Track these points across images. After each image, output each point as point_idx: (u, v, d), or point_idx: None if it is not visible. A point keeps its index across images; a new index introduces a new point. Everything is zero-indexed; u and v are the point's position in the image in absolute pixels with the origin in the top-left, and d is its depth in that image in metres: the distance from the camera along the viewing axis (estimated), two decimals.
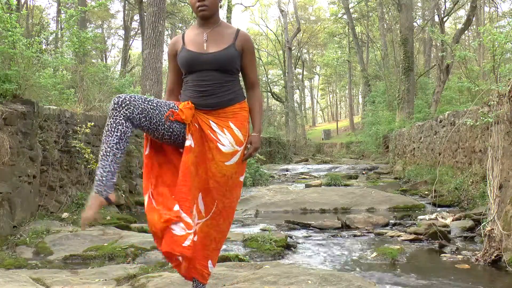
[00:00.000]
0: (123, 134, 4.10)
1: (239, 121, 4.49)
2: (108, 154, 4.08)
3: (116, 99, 4.10)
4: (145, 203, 4.35)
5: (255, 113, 4.63)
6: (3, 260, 7.38)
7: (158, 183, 4.42)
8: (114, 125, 4.08)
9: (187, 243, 4.10)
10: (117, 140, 4.09)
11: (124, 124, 4.10)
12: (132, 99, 4.13)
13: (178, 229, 4.11)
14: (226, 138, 4.39)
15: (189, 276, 4.48)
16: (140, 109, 4.13)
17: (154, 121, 4.20)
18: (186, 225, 4.14)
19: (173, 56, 4.64)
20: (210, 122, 4.39)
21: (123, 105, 4.08)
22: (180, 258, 4.22)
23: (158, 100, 4.31)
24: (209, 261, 4.48)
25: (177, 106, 4.36)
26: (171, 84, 4.78)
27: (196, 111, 4.40)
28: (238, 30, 4.59)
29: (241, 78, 4.74)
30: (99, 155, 4.12)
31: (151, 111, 4.19)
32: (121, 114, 4.08)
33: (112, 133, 4.09)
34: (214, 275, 5.08)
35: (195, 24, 4.67)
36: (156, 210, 4.23)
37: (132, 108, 4.10)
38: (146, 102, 4.18)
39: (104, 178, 4.08)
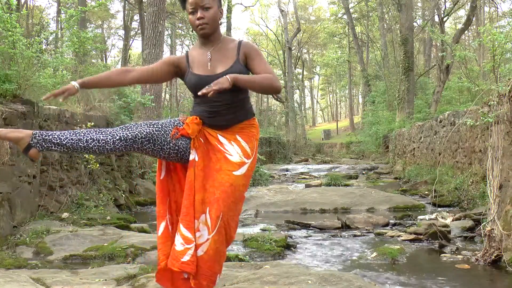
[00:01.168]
0: (107, 141, 4.13)
1: (246, 136, 4.44)
2: (82, 136, 4.13)
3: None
4: (160, 230, 4.40)
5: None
6: (3, 260, 7.38)
7: (177, 208, 4.45)
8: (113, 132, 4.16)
9: (186, 258, 4.08)
10: (100, 138, 4.13)
11: (116, 139, 4.14)
12: (138, 125, 4.19)
13: (178, 244, 4.14)
14: (234, 149, 4.34)
15: None
16: (144, 133, 4.16)
17: (158, 142, 4.20)
18: (185, 240, 4.13)
19: (169, 64, 4.55)
20: (218, 135, 4.36)
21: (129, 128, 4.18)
22: (185, 275, 4.20)
23: (163, 121, 4.32)
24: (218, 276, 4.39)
25: (182, 122, 4.36)
26: (139, 70, 4.59)
27: (203, 127, 4.37)
28: (239, 42, 4.48)
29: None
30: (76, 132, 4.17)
31: (156, 133, 4.20)
32: (124, 134, 4.14)
33: (105, 134, 4.14)
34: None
35: (197, 43, 4.59)
36: (171, 238, 4.31)
37: (136, 132, 4.16)
38: (152, 126, 4.21)
39: (53, 137, 4.11)
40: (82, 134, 4.11)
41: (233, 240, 4.50)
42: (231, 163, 4.30)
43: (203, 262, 4.15)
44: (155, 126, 4.21)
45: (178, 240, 4.16)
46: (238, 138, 4.40)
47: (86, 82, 4.36)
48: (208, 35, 4.41)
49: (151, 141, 4.17)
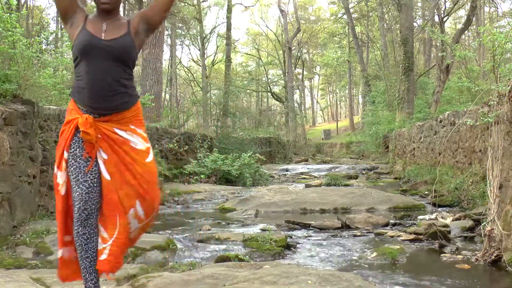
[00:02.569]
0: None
1: (138, 122, 4.53)
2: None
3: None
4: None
5: None
6: (3, 260, 7.38)
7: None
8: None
9: (103, 257, 4.31)
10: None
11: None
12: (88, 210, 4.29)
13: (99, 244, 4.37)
14: (134, 138, 4.42)
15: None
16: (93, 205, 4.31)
17: (93, 185, 4.33)
18: (102, 239, 4.34)
19: (76, 6, 4.56)
20: (114, 129, 4.36)
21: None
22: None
23: (78, 174, 4.32)
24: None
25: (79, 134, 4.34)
26: None
27: (96, 123, 4.33)
28: (128, 21, 4.56)
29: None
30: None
31: (91, 194, 4.31)
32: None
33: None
34: (214, 275, 5.08)
35: (95, 15, 4.59)
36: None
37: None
38: (88, 192, 4.29)
39: None
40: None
41: None
42: (140, 152, 4.42)
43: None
44: (87, 189, 4.29)
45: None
46: (132, 127, 4.46)
47: None
48: (109, 10, 4.47)
49: (93, 190, 4.30)
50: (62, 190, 4.35)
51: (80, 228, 4.21)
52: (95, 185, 4.27)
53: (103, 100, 4.31)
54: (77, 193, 4.22)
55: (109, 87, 4.32)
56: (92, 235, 4.25)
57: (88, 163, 4.29)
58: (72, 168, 4.29)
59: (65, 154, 4.33)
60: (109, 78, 4.32)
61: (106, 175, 4.30)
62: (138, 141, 4.42)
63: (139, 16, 4.53)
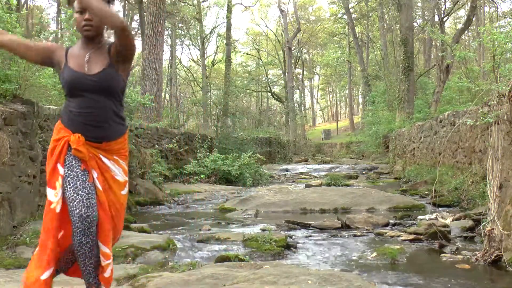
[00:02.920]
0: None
1: (122, 155, 4.53)
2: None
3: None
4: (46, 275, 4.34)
5: None
6: (3, 260, 7.37)
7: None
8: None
9: (108, 273, 4.40)
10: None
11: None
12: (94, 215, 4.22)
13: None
14: (116, 168, 4.44)
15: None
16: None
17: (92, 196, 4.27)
18: (104, 256, 4.32)
19: (48, 49, 4.49)
20: (100, 156, 4.37)
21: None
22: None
23: (76, 181, 4.26)
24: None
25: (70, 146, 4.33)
26: (31, 47, 4.50)
27: (87, 146, 4.33)
28: (109, 46, 4.47)
29: None
30: None
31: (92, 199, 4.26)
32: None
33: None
34: (214, 275, 5.08)
35: (79, 43, 4.55)
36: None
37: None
38: (89, 198, 4.23)
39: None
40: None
41: None
42: (118, 182, 4.46)
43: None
44: (87, 194, 4.23)
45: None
46: (116, 157, 4.47)
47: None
48: (92, 37, 4.43)
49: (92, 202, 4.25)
50: (57, 207, 4.25)
51: (83, 237, 4.11)
52: (94, 193, 4.24)
53: (95, 130, 4.33)
54: (77, 200, 4.14)
55: (101, 118, 4.34)
56: (94, 243, 4.18)
57: (85, 172, 4.27)
58: (69, 178, 4.24)
59: (61, 170, 4.28)
60: (100, 111, 4.33)
61: (100, 187, 4.32)
62: (119, 173, 4.45)
63: (113, 47, 4.42)
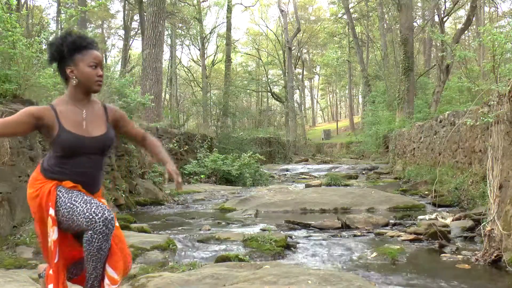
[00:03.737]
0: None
1: (101, 196, 4.53)
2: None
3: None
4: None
5: (161, 150, 4.55)
6: (3, 260, 7.38)
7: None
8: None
9: None
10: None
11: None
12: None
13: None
14: None
15: None
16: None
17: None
18: (111, 280, 4.22)
19: (29, 116, 4.18)
20: None
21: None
22: None
23: (83, 195, 4.21)
24: None
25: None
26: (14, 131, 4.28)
27: None
28: (105, 107, 4.50)
29: None
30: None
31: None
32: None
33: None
34: (214, 275, 5.09)
35: (65, 98, 4.44)
36: None
37: None
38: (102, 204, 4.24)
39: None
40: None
41: None
42: None
43: None
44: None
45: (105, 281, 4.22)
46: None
47: None
48: (94, 92, 4.41)
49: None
50: (54, 235, 4.18)
51: (104, 243, 4.01)
52: None
53: (92, 186, 4.33)
54: (94, 206, 4.04)
55: (97, 174, 4.37)
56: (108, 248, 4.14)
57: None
58: (73, 196, 4.15)
59: (51, 211, 4.14)
60: (95, 169, 4.33)
61: None
62: None
63: (120, 118, 4.53)
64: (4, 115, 9.02)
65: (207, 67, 58.53)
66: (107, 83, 17.78)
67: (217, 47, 63.91)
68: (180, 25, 58.57)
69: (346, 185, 19.27)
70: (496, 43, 10.70)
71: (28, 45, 10.97)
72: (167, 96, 54.48)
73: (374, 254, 8.27)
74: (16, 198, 9.34)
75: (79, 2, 36.10)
